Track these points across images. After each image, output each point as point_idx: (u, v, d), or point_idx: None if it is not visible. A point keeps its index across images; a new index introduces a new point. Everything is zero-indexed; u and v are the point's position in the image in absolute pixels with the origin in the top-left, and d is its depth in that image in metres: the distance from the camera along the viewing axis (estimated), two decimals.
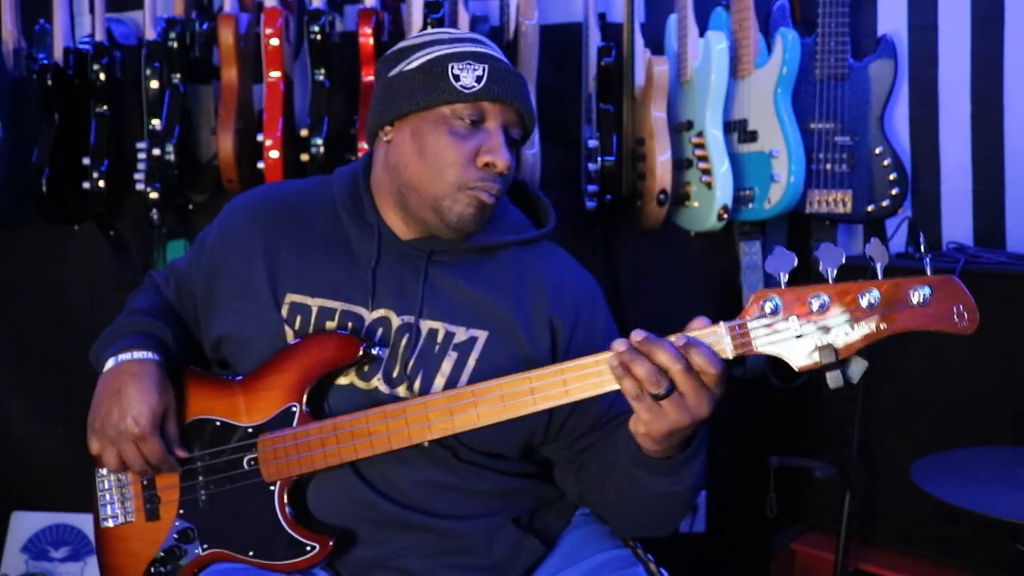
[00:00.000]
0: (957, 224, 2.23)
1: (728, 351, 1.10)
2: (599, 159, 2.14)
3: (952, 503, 1.43)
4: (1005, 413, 1.83)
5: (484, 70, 1.28)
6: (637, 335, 1.08)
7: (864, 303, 1.07)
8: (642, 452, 1.17)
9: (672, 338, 1.10)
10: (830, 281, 1.08)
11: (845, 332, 1.07)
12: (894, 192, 2.17)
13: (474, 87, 1.27)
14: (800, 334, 1.09)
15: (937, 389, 1.91)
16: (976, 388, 1.86)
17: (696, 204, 2.15)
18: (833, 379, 1.08)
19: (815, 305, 1.08)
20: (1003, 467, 1.59)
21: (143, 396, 1.28)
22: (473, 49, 1.30)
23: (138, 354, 1.32)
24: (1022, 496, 1.45)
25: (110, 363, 1.33)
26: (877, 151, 2.17)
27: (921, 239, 1.13)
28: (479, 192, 1.27)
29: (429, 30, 1.38)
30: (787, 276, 1.10)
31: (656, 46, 2.23)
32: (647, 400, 1.09)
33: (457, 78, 1.27)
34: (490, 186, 1.28)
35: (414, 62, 1.30)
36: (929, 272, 1.07)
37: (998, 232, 2.21)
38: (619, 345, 1.09)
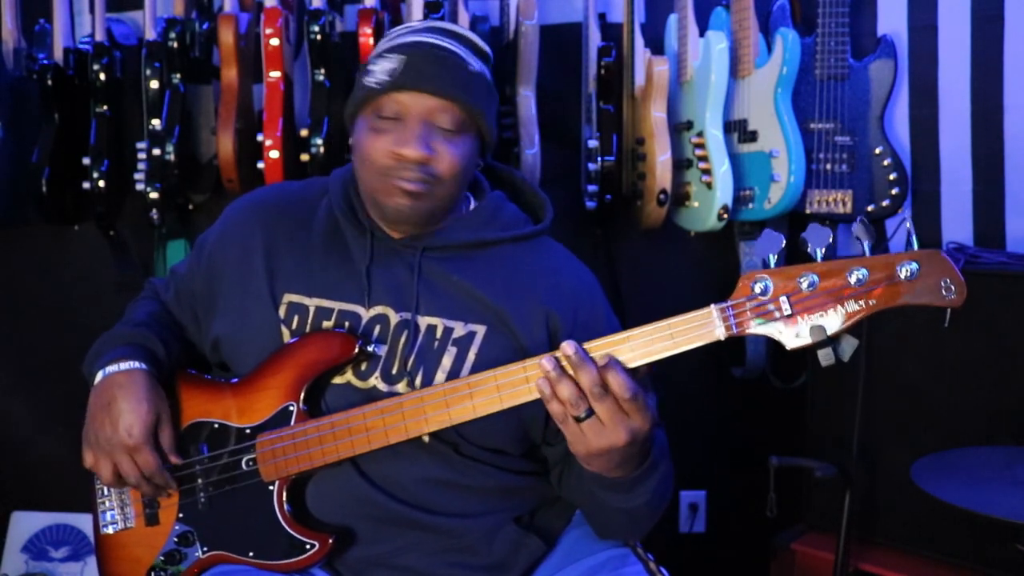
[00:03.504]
0: (957, 224, 2.23)
1: (719, 333, 1.11)
2: (599, 159, 2.13)
3: (952, 503, 1.43)
4: (1005, 413, 1.82)
5: (400, 61, 1.27)
6: (568, 347, 1.11)
7: (853, 280, 1.07)
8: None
9: (596, 355, 1.12)
10: (818, 260, 1.09)
11: (835, 310, 1.08)
12: (894, 192, 2.17)
13: (384, 80, 1.27)
14: (791, 313, 1.09)
15: (937, 389, 1.91)
16: (976, 388, 1.86)
17: (696, 204, 2.15)
18: (824, 357, 1.09)
19: (804, 284, 1.09)
20: (1003, 467, 1.59)
21: (133, 407, 1.28)
22: (401, 41, 1.30)
23: (124, 365, 1.32)
24: (1022, 496, 1.45)
25: (99, 377, 1.33)
26: (877, 151, 2.17)
27: (907, 217, 1.14)
28: (399, 182, 1.27)
29: (396, 27, 1.37)
30: (776, 257, 1.11)
31: (656, 46, 2.22)
32: (571, 423, 1.13)
33: (372, 74, 1.28)
34: (409, 175, 1.27)
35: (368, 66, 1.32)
36: (916, 248, 1.07)
37: (998, 232, 2.21)
38: (547, 363, 1.12)
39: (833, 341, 1.09)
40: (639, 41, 2.19)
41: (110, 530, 1.39)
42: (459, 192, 1.35)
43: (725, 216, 2.09)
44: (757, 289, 1.10)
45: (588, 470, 1.20)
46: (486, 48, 1.38)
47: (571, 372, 1.13)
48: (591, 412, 1.11)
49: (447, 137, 1.29)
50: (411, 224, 1.33)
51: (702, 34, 2.14)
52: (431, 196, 1.29)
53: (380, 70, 1.28)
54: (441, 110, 1.28)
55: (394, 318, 1.33)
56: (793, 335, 1.09)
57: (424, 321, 1.32)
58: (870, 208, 2.18)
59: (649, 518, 1.30)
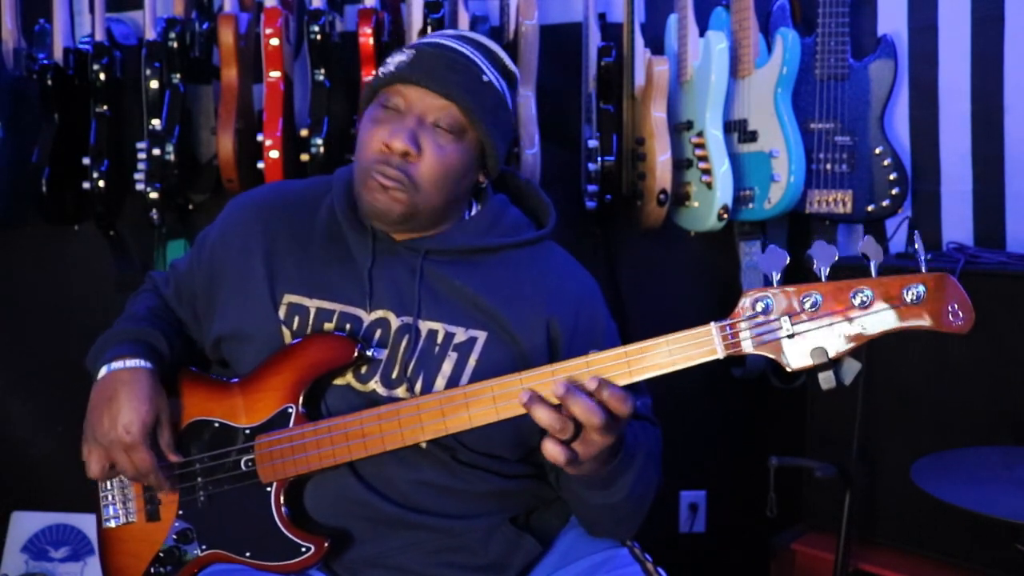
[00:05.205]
0: (957, 224, 2.23)
1: (719, 351, 1.09)
2: (599, 159, 2.13)
3: (952, 503, 1.43)
4: (1005, 413, 1.82)
5: (410, 56, 1.27)
6: (559, 388, 1.08)
7: (857, 302, 1.05)
8: None
9: (586, 380, 1.09)
10: (823, 280, 1.07)
11: (838, 332, 1.06)
12: (894, 192, 2.17)
13: (389, 72, 1.27)
14: (792, 334, 1.07)
15: (937, 389, 1.91)
16: (976, 388, 1.86)
17: (696, 204, 2.15)
18: (825, 380, 1.07)
19: (807, 304, 1.06)
20: (1003, 467, 1.59)
21: (133, 405, 1.28)
22: (421, 40, 1.31)
23: (130, 362, 1.32)
24: (1022, 496, 1.45)
25: (103, 371, 1.33)
26: (877, 151, 2.17)
27: (916, 236, 1.11)
28: (375, 175, 1.26)
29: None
30: (780, 275, 1.08)
31: (656, 46, 2.22)
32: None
33: (384, 65, 1.29)
34: (384, 168, 1.25)
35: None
36: (924, 270, 1.05)
37: (998, 232, 2.21)
38: (523, 396, 1.09)
39: (835, 364, 1.06)
40: (639, 41, 2.19)
41: (112, 524, 1.39)
42: (443, 202, 1.31)
43: (725, 216, 2.09)
44: (759, 307, 1.08)
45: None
46: (513, 69, 1.37)
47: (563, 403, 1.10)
48: (578, 433, 1.10)
49: (439, 138, 1.27)
50: (387, 224, 1.30)
51: (702, 34, 2.14)
52: (407, 199, 1.27)
53: (392, 62, 1.29)
54: (440, 109, 1.27)
55: (395, 322, 1.32)
56: (794, 356, 1.07)
57: (425, 326, 1.32)
58: (870, 208, 2.18)
59: (633, 515, 1.29)
